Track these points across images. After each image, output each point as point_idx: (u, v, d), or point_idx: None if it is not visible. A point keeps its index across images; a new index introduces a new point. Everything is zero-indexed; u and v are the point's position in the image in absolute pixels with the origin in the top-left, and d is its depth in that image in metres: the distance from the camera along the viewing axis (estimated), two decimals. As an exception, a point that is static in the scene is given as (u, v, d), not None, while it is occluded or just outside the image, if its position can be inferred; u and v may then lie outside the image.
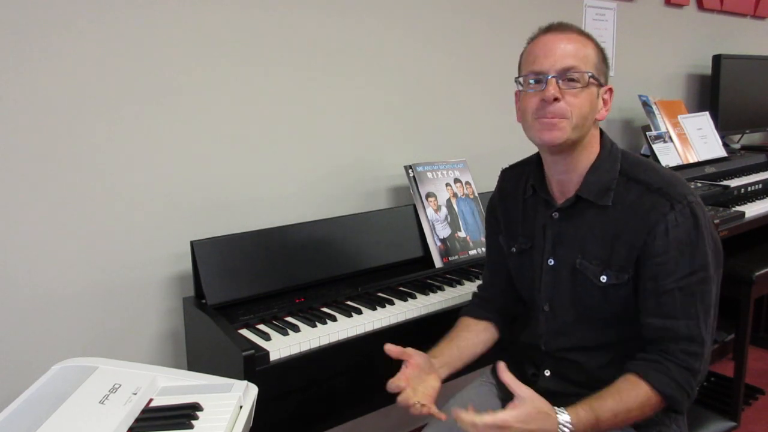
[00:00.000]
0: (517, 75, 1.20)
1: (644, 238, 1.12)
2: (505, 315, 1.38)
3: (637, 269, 1.14)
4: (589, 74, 1.12)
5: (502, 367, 1.09)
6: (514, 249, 1.32)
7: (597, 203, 1.17)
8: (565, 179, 1.21)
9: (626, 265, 1.14)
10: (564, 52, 1.12)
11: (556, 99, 1.11)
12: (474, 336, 1.35)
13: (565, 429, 1.04)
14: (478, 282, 1.72)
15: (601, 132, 1.23)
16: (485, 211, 1.45)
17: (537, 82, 1.14)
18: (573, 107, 1.12)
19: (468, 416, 1.03)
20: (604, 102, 1.19)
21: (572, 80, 1.12)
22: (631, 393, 1.09)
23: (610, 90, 1.19)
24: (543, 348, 1.27)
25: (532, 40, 1.19)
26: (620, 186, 1.16)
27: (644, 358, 1.13)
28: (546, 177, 1.25)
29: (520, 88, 1.18)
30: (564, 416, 1.04)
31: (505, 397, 1.33)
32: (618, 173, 1.18)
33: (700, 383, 1.14)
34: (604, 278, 1.16)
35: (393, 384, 1.15)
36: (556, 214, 1.23)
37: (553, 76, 1.11)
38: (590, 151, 1.19)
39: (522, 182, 1.31)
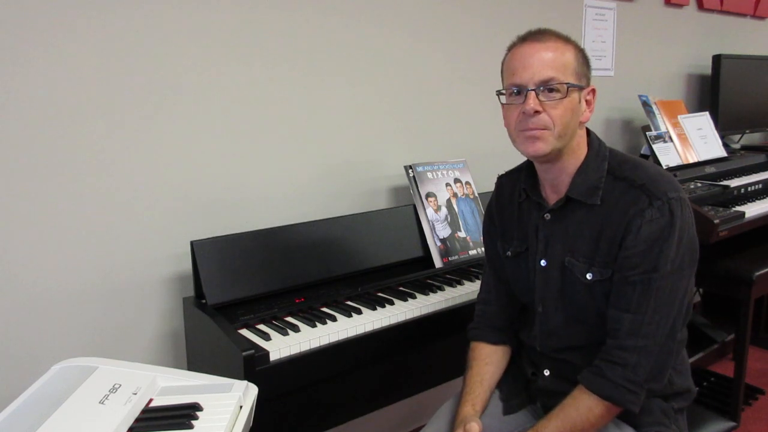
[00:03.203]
0: (500, 86, 1.20)
1: (622, 233, 1.13)
2: (514, 327, 1.38)
3: None
4: (568, 84, 1.12)
5: None
6: (509, 253, 1.32)
7: (586, 202, 1.18)
8: (557, 182, 1.22)
9: (609, 261, 1.15)
10: (542, 63, 1.12)
11: (536, 112, 1.12)
12: (497, 368, 1.34)
13: None
14: (478, 282, 1.72)
15: (588, 132, 1.23)
16: (483, 218, 1.44)
17: (518, 94, 1.14)
18: (554, 118, 1.12)
19: None
20: (588, 103, 1.19)
21: (552, 91, 1.12)
22: (573, 407, 1.13)
23: (593, 90, 1.19)
24: (538, 349, 1.28)
25: (511, 49, 1.19)
26: (608, 184, 1.17)
27: (587, 370, 1.15)
28: (538, 180, 1.26)
29: (503, 100, 1.19)
30: None
31: (506, 397, 1.33)
32: (606, 172, 1.18)
33: (653, 378, 1.13)
34: (589, 275, 1.17)
35: None
36: (547, 216, 1.23)
37: (532, 89, 1.12)
38: (578, 153, 1.20)
39: (517, 188, 1.32)
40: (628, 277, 1.12)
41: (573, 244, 1.20)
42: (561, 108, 1.12)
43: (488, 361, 1.34)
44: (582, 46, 1.19)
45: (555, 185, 1.22)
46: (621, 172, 1.17)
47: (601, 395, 1.12)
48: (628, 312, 1.12)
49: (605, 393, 1.11)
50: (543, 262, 1.24)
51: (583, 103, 1.17)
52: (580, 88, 1.15)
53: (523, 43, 1.16)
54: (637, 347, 1.11)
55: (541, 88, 1.12)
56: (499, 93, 1.20)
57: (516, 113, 1.14)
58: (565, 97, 1.12)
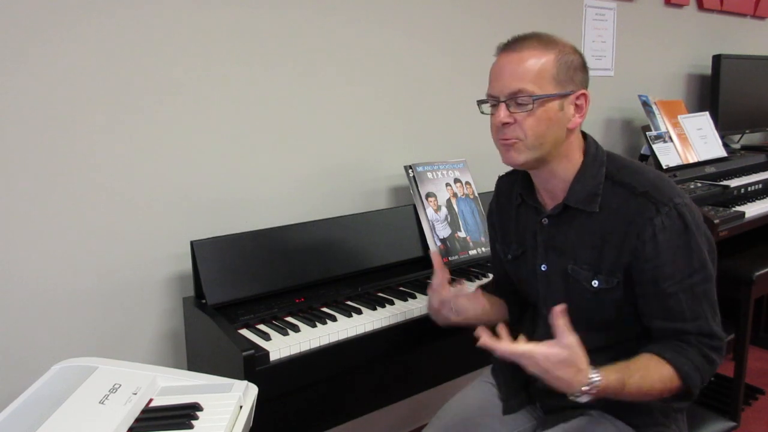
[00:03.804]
0: None
1: (633, 242, 1.12)
2: (514, 311, 1.39)
3: (628, 274, 1.15)
4: (535, 97, 1.11)
5: (557, 312, 1.04)
6: (509, 256, 1.32)
7: (585, 210, 1.17)
8: (550, 186, 1.22)
9: (615, 269, 1.15)
10: (513, 75, 1.13)
11: (505, 124, 1.13)
12: (495, 302, 1.39)
13: (590, 387, 1.03)
14: (478, 282, 1.73)
15: (585, 136, 1.22)
16: (486, 219, 1.45)
17: (494, 105, 1.16)
18: (526, 129, 1.13)
19: (490, 340, 1.04)
20: (578, 108, 1.16)
21: (521, 104, 1.12)
22: (657, 370, 1.10)
23: (584, 95, 1.17)
24: None
25: (495, 56, 1.20)
26: (607, 190, 1.16)
27: (662, 343, 1.13)
28: (534, 185, 1.26)
29: (483, 109, 1.21)
30: (595, 377, 1.03)
31: (506, 397, 1.33)
32: (604, 178, 1.17)
33: (712, 374, 1.15)
34: (595, 283, 1.17)
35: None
36: (545, 221, 1.23)
37: (503, 101, 1.13)
38: (571, 160, 1.19)
39: (515, 190, 1.32)
40: (666, 288, 1.11)
41: (575, 252, 1.19)
42: (533, 119, 1.12)
43: (489, 297, 1.38)
44: (573, 51, 1.17)
45: (549, 190, 1.22)
46: (620, 177, 1.17)
47: (682, 371, 1.09)
48: (685, 321, 1.11)
49: (686, 369, 1.09)
50: (543, 267, 1.24)
51: (570, 108, 1.15)
52: (563, 96, 1.13)
53: (501, 53, 1.17)
54: (714, 347, 1.12)
55: (511, 100, 1.13)
56: (480, 102, 1.21)
57: (493, 122, 1.17)
58: (537, 108, 1.12)
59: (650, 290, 1.13)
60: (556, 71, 1.13)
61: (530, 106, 1.11)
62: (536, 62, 1.13)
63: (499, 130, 1.16)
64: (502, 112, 1.13)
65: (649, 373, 1.10)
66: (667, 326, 1.13)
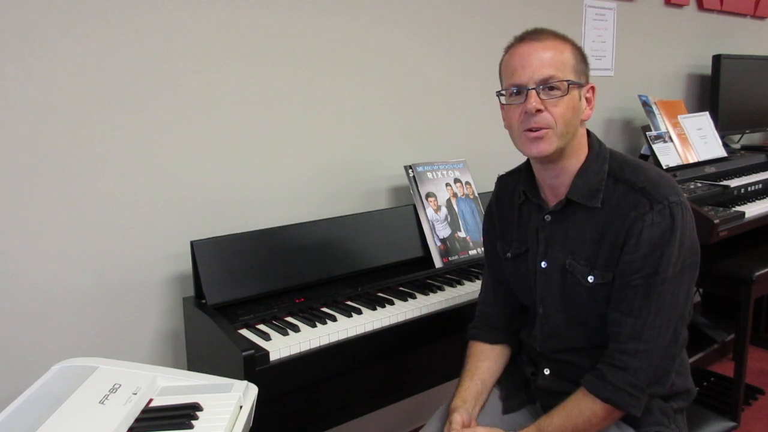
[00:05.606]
0: (499, 87, 1.20)
1: (624, 236, 1.12)
2: (513, 327, 1.38)
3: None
4: (568, 81, 1.12)
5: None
6: (509, 254, 1.32)
7: (587, 205, 1.17)
8: (557, 183, 1.21)
9: (610, 265, 1.15)
10: (541, 62, 1.12)
11: (538, 110, 1.12)
12: (493, 364, 1.34)
13: None
14: (478, 282, 1.72)
15: (589, 133, 1.23)
16: (483, 218, 1.44)
17: (518, 94, 1.14)
18: (556, 116, 1.12)
19: None
20: (588, 101, 1.19)
21: (552, 89, 1.12)
22: (576, 407, 1.14)
23: (592, 88, 1.19)
24: (538, 349, 1.28)
25: (509, 50, 1.19)
26: (608, 187, 1.17)
27: (591, 371, 1.16)
28: (537, 182, 1.26)
29: (503, 101, 1.19)
30: None
31: (506, 396, 1.33)
32: (606, 174, 1.18)
33: (656, 382, 1.13)
34: (591, 278, 1.17)
35: None
36: (548, 217, 1.23)
37: (533, 88, 1.12)
38: (579, 154, 1.19)
39: (517, 189, 1.32)
40: (630, 281, 1.12)
41: (574, 247, 1.19)
42: (562, 105, 1.12)
43: (482, 357, 1.34)
44: (579, 45, 1.19)
45: (554, 186, 1.22)
46: (621, 174, 1.17)
47: (602, 398, 1.12)
48: (629, 316, 1.12)
49: (606, 396, 1.11)
50: (543, 264, 1.24)
51: (584, 101, 1.17)
52: (580, 86, 1.16)
53: (521, 43, 1.16)
54: (638, 351, 1.11)
55: (541, 86, 1.12)
56: (499, 94, 1.20)
57: (517, 113, 1.14)
58: (566, 94, 1.12)
59: (618, 281, 1.14)
60: (575, 62, 1.15)
61: (560, 92, 1.12)
62: (560, 52, 1.14)
63: (525, 120, 1.13)
64: (533, 100, 1.11)
65: (567, 411, 1.14)
66: (613, 317, 1.14)
